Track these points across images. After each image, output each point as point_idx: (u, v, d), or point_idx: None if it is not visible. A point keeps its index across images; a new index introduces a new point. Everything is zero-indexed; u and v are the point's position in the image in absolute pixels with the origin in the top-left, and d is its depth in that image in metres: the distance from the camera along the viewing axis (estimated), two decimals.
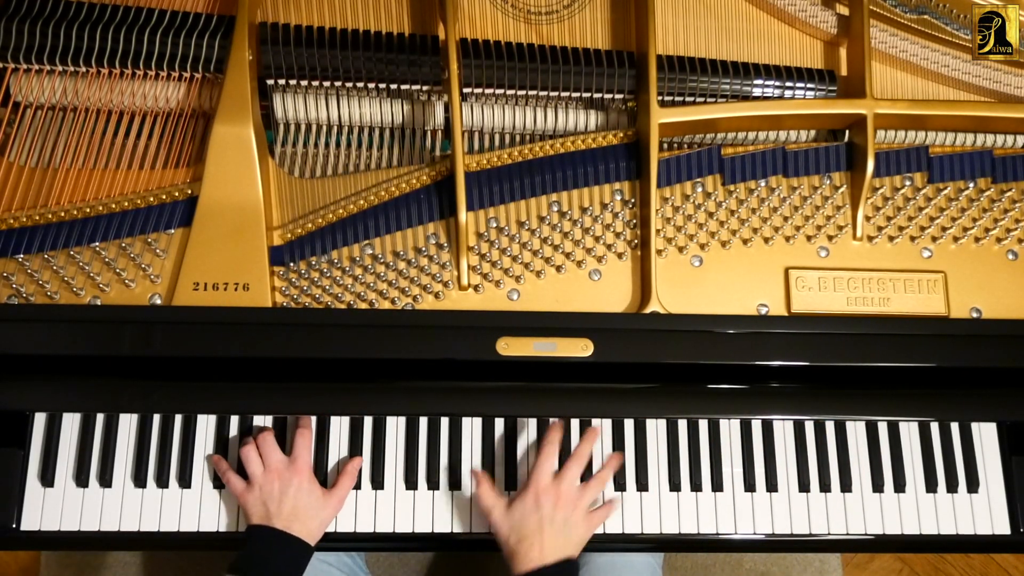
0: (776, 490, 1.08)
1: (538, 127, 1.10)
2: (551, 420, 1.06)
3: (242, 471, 1.01)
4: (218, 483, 1.03)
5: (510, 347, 0.97)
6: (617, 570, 1.14)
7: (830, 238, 1.07)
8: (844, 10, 1.14)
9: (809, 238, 1.07)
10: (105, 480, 1.02)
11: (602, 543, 1.07)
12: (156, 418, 1.04)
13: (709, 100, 1.10)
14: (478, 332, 0.97)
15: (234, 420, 1.05)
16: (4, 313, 0.95)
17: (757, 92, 1.11)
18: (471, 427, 1.07)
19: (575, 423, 1.07)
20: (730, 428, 1.09)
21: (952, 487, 1.09)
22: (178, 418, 1.05)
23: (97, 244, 0.99)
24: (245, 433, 1.04)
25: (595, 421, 1.07)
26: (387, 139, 1.09)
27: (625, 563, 1.14)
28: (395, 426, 1.06)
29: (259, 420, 1.05)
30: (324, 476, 1.04)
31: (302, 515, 0.96)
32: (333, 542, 1.04)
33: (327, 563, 1.13)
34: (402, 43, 1.07)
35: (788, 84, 1.11)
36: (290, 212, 1.03)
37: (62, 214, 0.99)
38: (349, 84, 1.07)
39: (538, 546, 0.93)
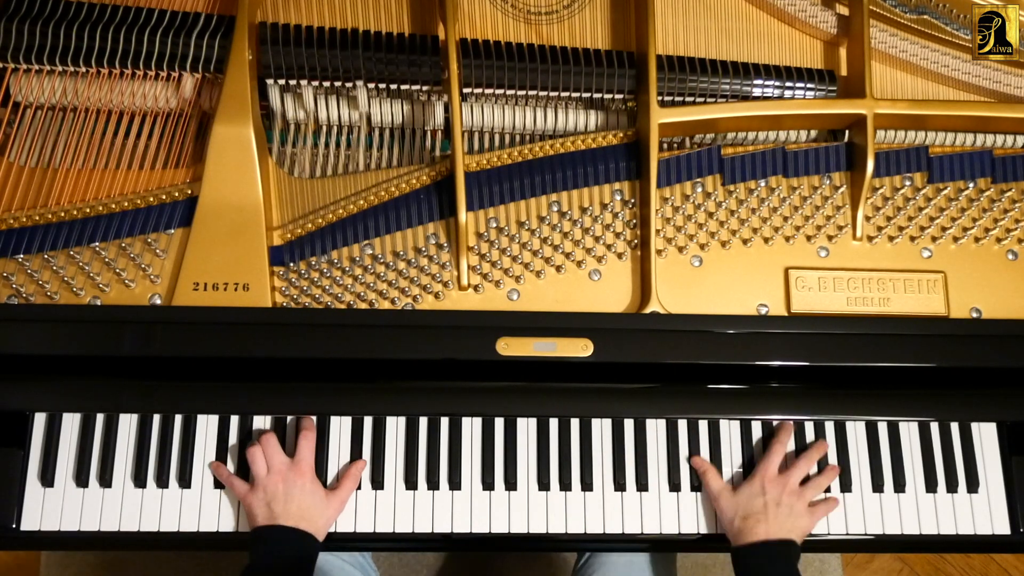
0: None
1: (538, 127, 1.10)
2: (550, 420, 1.06)
3: (241, 474, 1.01)
4: (218, 483, 1.03)
5: (510, 347, 0.97)
6: (633, 570, 1.14)
7: (830, 238, 1.07)
8: (844, 10, 1.14)
9: (809, 238, 1.07)
10: (105, 480, 1.02)
11: (602, 543, 1.07)
12: (156, 418, 1.04)
13: (709, 100, 1.10)
14: (478, 332, 0.97)
15: (234, 420, 1.05)
16: (4, 313, 0.95)
17: (757, 92, 1.11)
18: (471, 427, 1.07)
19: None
20: (730, 428, 1.09)
21: (952, 487, 1.09)
22: (178, 418, 1.05)
23: (97, 244, 0.99)
24: (246, 435, 1.04)
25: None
26: (387, 139, 1.09)
27: (642, 563, 1.15)
28: (395, 426, 1.06)
29: (259, 420, 1.05)
30: (324, 477, 1.04)
31: (307, 514, 0.97)
32: (333, 542, 1.04)
33: (342, 559, 1.13)
34: (402, 43, 1.07)
35: (788, 84, 1.11)
36: (290, 212, 1.03)
37: (62, 214, 0.99)
38: (349, 84, 1.07)
39: (764, 524, 0.98)
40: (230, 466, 1.03)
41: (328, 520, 0.99)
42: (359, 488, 1.04)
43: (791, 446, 1.07)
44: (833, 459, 1.09)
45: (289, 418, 1.05)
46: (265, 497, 0.97)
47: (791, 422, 1.07)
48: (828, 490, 1.07)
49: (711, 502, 1.04)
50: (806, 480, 1.05)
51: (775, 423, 1.08)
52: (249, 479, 1.00)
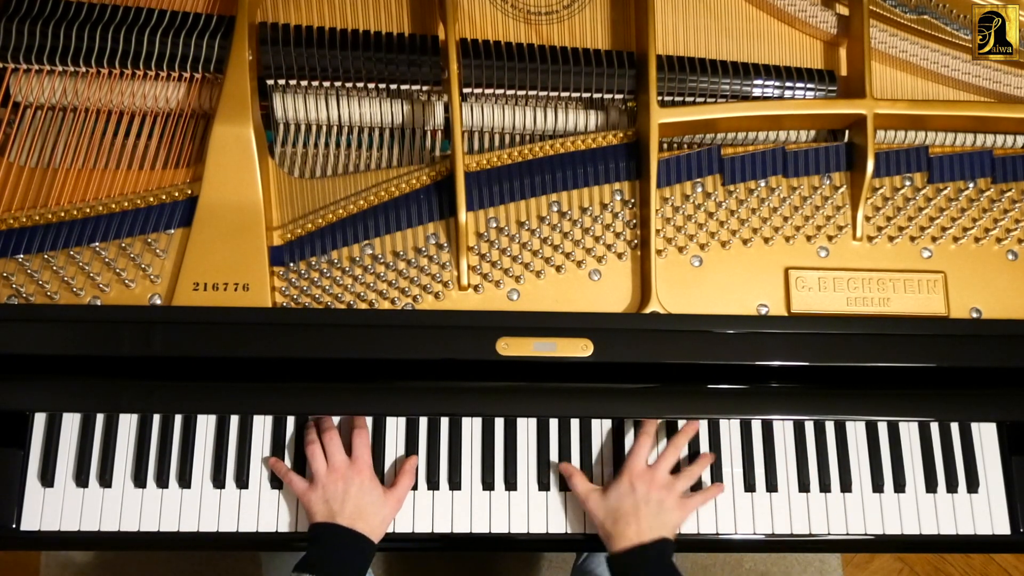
0: (776, 490, 1.08)
1: (538, 127, 1.10)
2: (550, 420, 1.06)
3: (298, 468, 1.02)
4: (218, 483, 1.03)
5: (510, 347, 0.97)
6: None
7: (830, 238, 1.07)
8: (844, 10, 1.14)
9: (809, 238, 1.07)
10: (105, 480, 1.02)
11: (602, 542, 1.07)
12: (156, 418, 1.04)
13: (709, 100, 1.10)
14: (478, 332, 0.97)
15: (234, 420, 1.05)
16: (4, 313, 0.95)
17: (757, 92, 1.11)
18: (471, 427, 1.07)
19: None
20: (730, 428, 1.09)
21: (952, 487, 1.09)
22: (178, 418, 1.05)
23: (97, 244, 0.99)
24: (246, 436, 1.04)
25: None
26: (387, 139, 1.09)
27: None
28: (395, 426, 1.06)
29: (259, 420, 1.05)
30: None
31: (365, 513, 0.97)
32: None
33: None
34: (402, 43, 1.07)
35: (788, 84, 1.11)
36: (290, 212, 1.03)
37: (62, 214, 0.99)
38: (349, 84, 1.07)
39: (634, 525, 0.97)
40: (230, 467, 1.03)
41: (385, 519, 1.00)
42: None
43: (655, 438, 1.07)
44: (834, 459, 1.09)
45: (337, 418, 1.05)
46: (324, 495, 0.98)
47: (655, 420, 1.07)
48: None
49: (581, 506, 1.03)
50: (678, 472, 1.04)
51: (775, 423, 1.09)
52: (307, 475, 1.01)
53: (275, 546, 1.10)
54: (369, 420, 1.06)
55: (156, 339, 0.95)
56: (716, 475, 1.07)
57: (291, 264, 1.00)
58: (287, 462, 1.04)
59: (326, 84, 1.06)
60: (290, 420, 1.06)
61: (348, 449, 1.01)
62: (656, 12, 1.07)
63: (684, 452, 1.07)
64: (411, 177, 1.04)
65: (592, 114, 1.11)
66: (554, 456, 1.07)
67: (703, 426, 1.09)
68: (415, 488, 1.04)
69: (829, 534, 1.06)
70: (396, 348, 0.97)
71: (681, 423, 1.08)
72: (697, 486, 1.05)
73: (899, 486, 1.08)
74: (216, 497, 1.03)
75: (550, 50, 1.09)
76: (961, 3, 1.14)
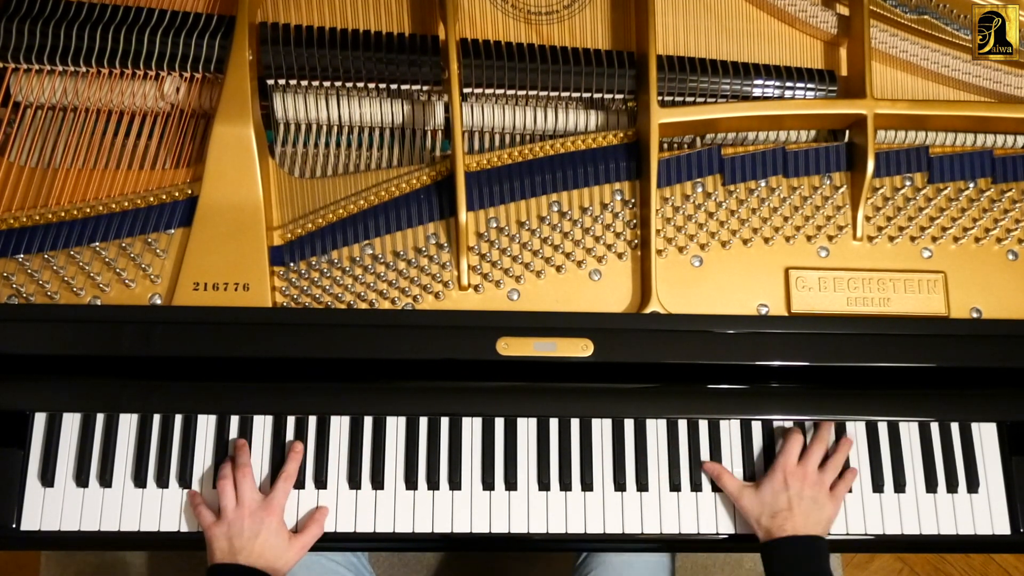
0: None
1: (538, 127, 1.10)
2: (551, 420, 1.06)
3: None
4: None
5: (510, 347, 0.97)
6: (632, 569, 1.14)
7: (830, 238, 1.07)
8: (844, 10, 1.14)
9: (809, 238, 1.07)
10: (105, 480, 1.02)
11: (602, 543, 1.07)
12: (156, 418, 1.04)
13: (709, 100, 1.10)
14: (478, 332, 0.97)
15: (234, 420, 1.05)
16: (4, 313, 0.95)
17: (757, 92, 1.11)
18: (471, 427, 1.07)
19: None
20: (730, 428, 1.09)
21: (952, 487, 1.09)
22: (178, 418, 1.05)
23: (97, 244, 0.99)
24: (246, 436, 1.04)
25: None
26: (387, 139, 1.09)
27: (640, 562, 1.15)
28: (395, 426, 1.06)
29: (259, 420, 1.05)
30: (324, 478, 1.04)
31: (268, 555, 0.96)
32: (333, 542, 1.04)
33: (335, 561, 1.13)
34: (402, 43, 1.07)
35: (788, 84, 1.11)
36: (290, 212, 1.03)
37: (62, 214, 0.99)
38: (349, 84, 1.07)
39: (791, 520, 0.99)
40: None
41: (287, 564, 0.98)
42: (360, 488, 1.04)
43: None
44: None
45: (291, 426, 1.05)
46: (229, 531, 0.96)
47: (798, 424, 1.08)
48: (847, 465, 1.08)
49: (733, 503, 1.04)
50: (824, 465, 1.05)
51: (775, 423, 1.09)
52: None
53: None
54: (369, 421, 1.06)
55: (156, 339, 0.95)
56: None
57: (291, 264, 1.00)
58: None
59: (326, 84, 1.06)
60: (290, 420, 1.06)
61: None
62: (656, 12, 1.07)
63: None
64: (411, 177, 1.04)
65: (592, 114, 1.11)
66: (555, 456, 1.06)
67: (703, 426, 1.09)
68: (415, 488, 1.04)
69: (829, 534, 1.06)
70: (396, 348, 0.97)
71: (688, 423, 1.08)
72: None
73: (899, 486, 1.08)
74: (216, 497, 1.03)
75: (550, 50, 1.09)
76: (961, 3, 1.14)
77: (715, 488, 1.07)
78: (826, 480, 1.03)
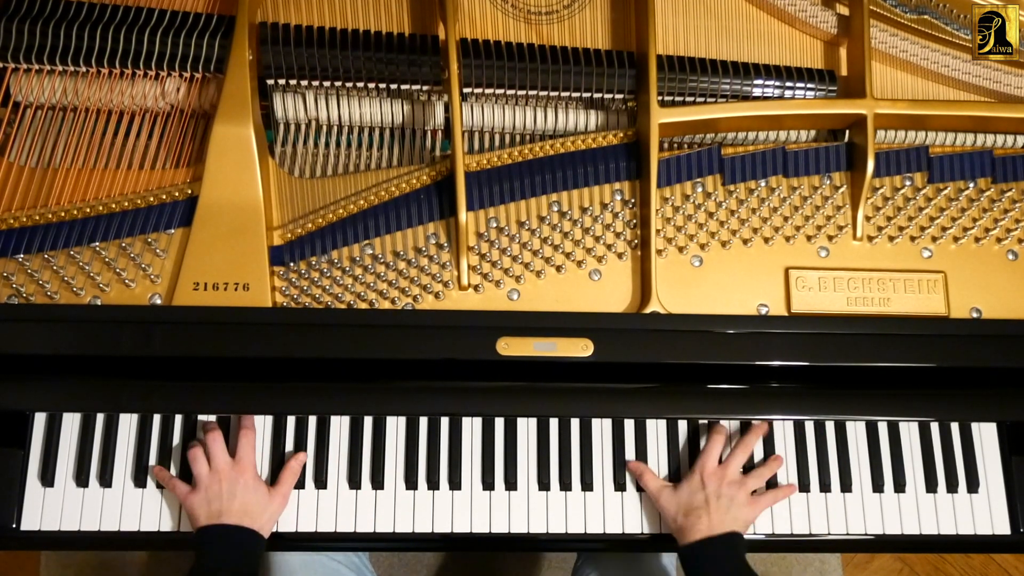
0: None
1: (538, 127, 1.10)
2: (551, 420, 1.07)
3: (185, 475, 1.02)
4: None
5: (510, 347, 0.97)
6: (634, 569, 1.14)
7: (830, 238, 1.07)
8: (844, 10, 1.14)
9: (809, 238, 1.07)
10: (105, 480, 1.02)
11: (603, 543, 1.07)
12: (156, 418, 1.04)
13: (709, 100, 1.10)
14: (478, 332, 0.97)
15: (234, 420, 1.05)
16: (4, 313, 0.95)
17: (757, 92, 1.11)
18: (471, 427, 1.07)
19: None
20: (730, 428, 1.09)
21: (952, 487, 1.09)
22: (178, 418, 1.05)
23: (97, 244, 0.99)
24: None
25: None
26: (387, 139, 1.09)
27: (642, 562, 1.15)
28: (395, 426, 1.06)
29: (259, 420, 1.05)
30: (324, 478, 1.04)
31: (251, 511, 0.97)
32: (334, 542, 1.04)
33: (336, 561, 1.13)
34: (402, 43, 1.07)
35: (788, 84, 1.11)
36: (290, 212, 1.03)
37: (62, 214, 0.99)
38: (349, 84, 1.07)
39: (706, 519, 0.99)
40: None
41: (272, 516, 0.99)
42: (360, 488, 1.04)
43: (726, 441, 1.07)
44: (834, 459, 1.09)
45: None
46: (207, 496, 0.97)
47: (724, 425, 1.08)
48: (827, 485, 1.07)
49: (652, 503, 1.04)
50: (748, 472, 1.05)
51: (773, 421, 1.09)
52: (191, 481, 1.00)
53: (275, 546, 1.10)
54: (369, 421, 1.06)
55: (156, 339, 0.95)
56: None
57: (291, 264, 1.00)
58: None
59: (326, 84, 1.06)
60: (291, 420, 1.06)
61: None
62: (656, 12, 1.07)
63: (760, 456, 1.08)
64: (411, 177, 1.04)
65: (592, 114, 1.11)
66: (555, 456, 1.07)
67: (703, 426, 1.09)
68: (415, 488, 1.04)
69: (829, 534, 1.06)
70: (396, 348, 0.97)
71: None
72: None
73: (899, 486, 1.08)
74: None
75: (550, 50, 1.09)
76: (961, 3, 1.14)
77: None
78: (747, 484, 1.03)
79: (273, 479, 1.03)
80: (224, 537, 0.95)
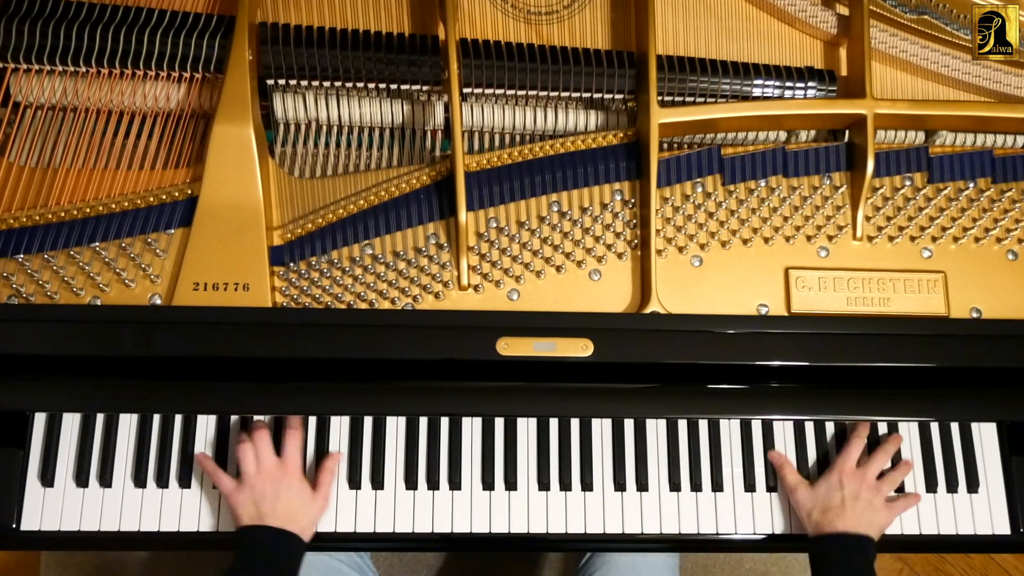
0: (776, 490, 1.08)
1: (538, 127, 1.10)
2: (550, 420, 1.07)
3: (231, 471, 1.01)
4: None
5: (510, 347, 0.97)
6: (636, 570, 1.14)
7: (830, 238, 1.07)
8: (844, 10, 1.14)
9: (809, 238, 1.07)
10: (105, 480, 1.02)
11: (603, 543, 1.07)
12: (156, 418, 1.05)
13: (709, 100, 1.10)
14: (478, 332, 0.97)
15: (234, 420, 1.05)
16: (4, 313, 0.95)
17: (757, 92, 1.11)
18: (471, 427, 1.07)
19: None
20: (730, 428, 1.09)
21: (952, 487, 1.09)
22: (178, 418, 1.05)
23: (97, 244, 0.99)
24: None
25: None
26: (387, 139, 1.09)
27: (644, 563, 1.15)
28: (395, 426, 1.06)
29: (259, 420, 1.05)
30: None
31: (295, 514, 0.97)
32: (333, 542, 1.04)
33: (338, 560, 1.13)
34: (402, 43, 1.07)
35: (788, 84, 1.11)
36: (290, 212, 1.03)
37: (62, 214, 0.99)
38: (349, 84, 1.07)
39: (842, 518, 1.00)
40: (230, 467, 1.03)
41: (313, 519, 0.99)
42: (359, 488, 1.04)
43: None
44: (833, 459, 1.09)
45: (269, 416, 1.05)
46: (253, 496, 0.97)
47: (868, 421, 1.08)
48: (901, 488, 1.08)
49: (787, 495, 1.05)
50: (883, 475, 1.06)
51: (773, 421, 1.09)
52: (237, 475, 1.00)
53: None
54: (369, 421, 1.06)
55: (156, 339, 0.95)
56: (715, 475, 1.07)
57: (291, 264, 1.00)
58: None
59: (326, 84, 1.06)
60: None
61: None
62: (656, 12, 1.07)
63: (888, 464, 1.08)
64: (411, 177, 1.04)
65: (592, 114, 1.11)
66: (554, 456, 1.06)
67: (703, 426, 1.09)
68: (415, 488, 1.04)
69: None
70: (396, 348, 0.97)
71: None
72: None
73: (899, 486, 1.08)
74: (216, 497, 1.03)
75: (550, 50, 1.09)
76: (961, 3, 1.14)
77: (714, 488, 1.07)
78: (883, 489, 1.04)
79: None
80: (266, 540, 0.95)
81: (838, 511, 1.00)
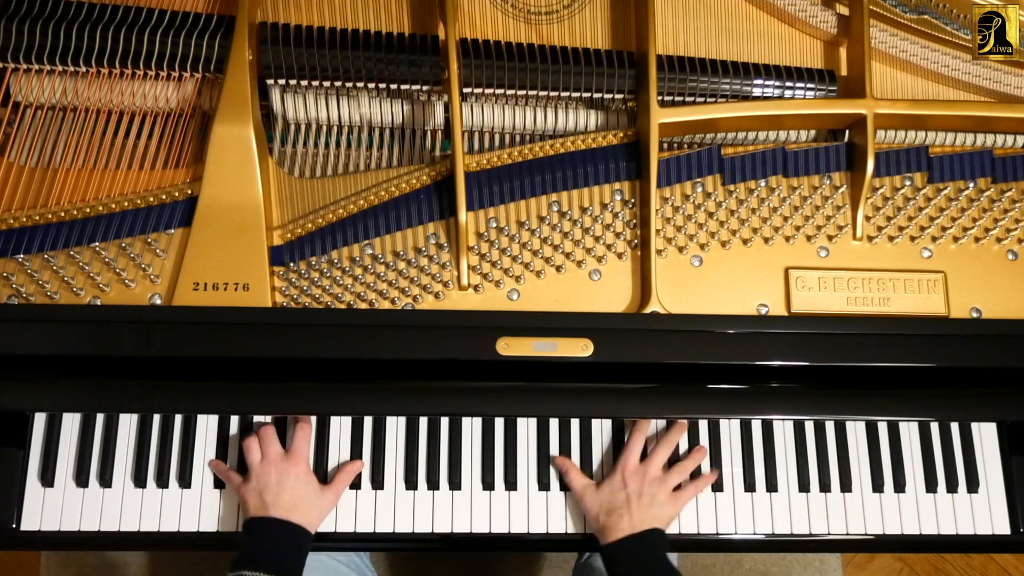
0: (776, 490, 1.08)
1: (538, 127, 1.10)
2: (550, 420, 1.07)
3: (241, 470, 1.01)
4: (218, 483, 1.03)
5: (510, 347, 0.97)
6: None
7: (830, 238, 1.07)
8: (844, 10, 1.14)
9: (809, 238, 1.07)
10: (105, 480, 1.02)
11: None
12: (156, 418, 1.04)
13: (709, 100, 1.10)
14: (478, 332, 0.97)
15: (234, 420, 1.05)
16: (4, 313, 0.95)
17: (757, 92, 1.11)
18: (471, 427, 1.07)
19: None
20: (730, 428, 1.09)
21: (952, 487, 1.09)
22: (178, 418, 1.05)
23: (97, 244, 0.99)
24: (246, 430, 1.04)
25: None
26: (387, 139, 1.09)
27: None
28: (395, 426, 1.06)
29: (259, 420, 1.05)
30: (324, 476, 1.04)
31: (301, 505, 0.97)
32: (333, 542, 1.04)
33: (337, 560, 1.13)
34: (402, 43, 1.07)
35: (788, 84, 1.11)
36: (290, 212, 1.03)
37: (62, 214, 0.99)
38: (349, 84, 1.07)
39: (627, 518, 0.98)
40: (231, 465, 1.03)
41: (322, 513, 0.99)
42: (359, 488, 1.04)
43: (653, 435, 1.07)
44: (834, 459, 1.09)
45: (289, 417, 1.05)
46: (257, 486, 0.97)
47: (647, 422, 1.07)
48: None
49: (576, 501, 1.04)
50: (671, 467, 1.05)
51: (773, 421, 1.09)
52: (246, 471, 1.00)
53: None
54: (369, 421, 1.06)
55: (156, 339, 0.95)
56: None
57: (291, 264, 1.00)
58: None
59: (326, 84, 1.06)
60: (291, 420, 1.06)
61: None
62: (656, 12, 1.07)
63: (681, 449, 1.07)
64: (411, 177, 1.04)
65: (592, 114, 1.11)
66: (555, 456, 1.06)
67: (703, 426, 1.09)
68: (415, 488, 1.04)
69: (829, 534, 1.06)
70: (396, 348, 0.97)
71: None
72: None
73: (899, 486, 1.08)
74: (216, 497, 1.03)
75: (550, 50, 1.09)
76: (961, 3, 1.14)
77: (715, 488, 1.07)
78: (669, 481, 1.02)
79: None
80: (268, 530, 0.95)
81: (622, 511, 0.98)
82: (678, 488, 1.03)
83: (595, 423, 1.08)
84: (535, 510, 1.05)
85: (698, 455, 1.06)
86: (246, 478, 0.99)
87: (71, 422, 1.04)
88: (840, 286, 1.05)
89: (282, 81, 1.06)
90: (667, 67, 1.10)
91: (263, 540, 0.94)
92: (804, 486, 1.07)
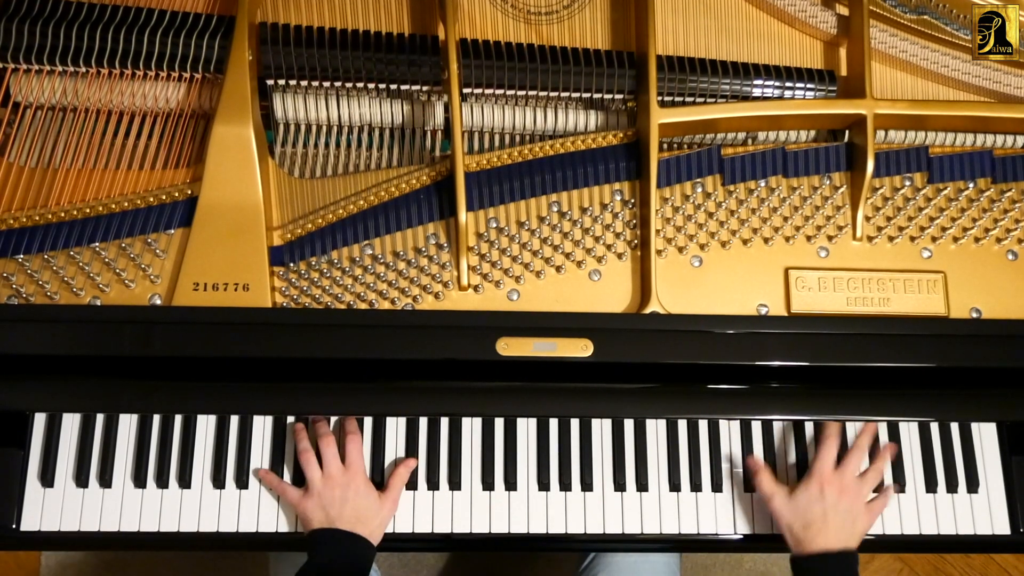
0: None
1: (538, 127, 1.10)
2: (550, 420, 1.06)
3: (273, 468, 1.01)
4: (218, 483, 1.03)
5: (510, 347, 0.97)
6: (637, 570, 1.14)
7: (830, 238, 1.07)
8: (844, 10, 1.14)
9: (809, 238, 1.07)
10: (105, 480, 1.02)
11: (603, 543, 1.07)
12: (156, 418, 1.04)
13: (709, 100, 1.10)
14: (478, 332, 0.97)
15: (234, 420, 1.05)
16: (4, 313, 0.95)
17: (757, 92, 1.11)
18: (471, 427, 1.07)
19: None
20: (730, 428, 1.09)
21: (952, 487, 1.09)
22: (178, 418, 1.05)
23: (97, 244, 0.99)
24: (245, 435, 1.04)
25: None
26: (387, 139, 1.09)
27: (646, 563, 1.15)
28: (395, 426, 1.06)
29: (259, 420, 1.05)
30: None
31: (364, 518, 0.98)
32: None
33: None
34: (402, 43, 1.07)
35: (788, 84, 1.11)
36: (290, 212, 1.03)
37: (62, 214, 0.99)
38: (349, 84, 1.07)
39: (823, 534, 0.97)
40: (230, 467, 1.03)
41: (383, 521, 1.00)
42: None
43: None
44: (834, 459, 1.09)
45: (334, 418, 1.05)
46: (321, 502, 0.98)
47: (838, 422, 1.07)
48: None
49: (764, 503, 1.03)
50: (864, 473, 1.04)
51: (773, 421, 1.08)
52: (303, 484, 1.01)
53: (275, 546, 1.10)
54: (369, 421, 1.06)
55: (156, 339, 0.95)
56: (715, 475, 1.07)
57: (291, 264, 1.00)
58: (287, 471, 1.04)
59: (326, 84, 1.06)
60: (290, 420, 1.06)
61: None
62: (656, 12, 1.07)
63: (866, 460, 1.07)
64: (411, 177, 1.04)
65: (592, 114, 1.11)
66: (554, 456, 1.06)
67: (703, 426, 1.09)
68: (415, 488, 1.04)
69: None
70: (396, 348, 0.97)
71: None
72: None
73: (899, 486, 1.08)
74: (216, 497, 1.03)
75: (550, 50, 1.09)
76: (961, 3, 1.14)
77: (714, 488, 1.07)
78: (864, 491, 1.02)
79: None
80: (338, 541, 0.96)
81: (819, 527, 0.97)
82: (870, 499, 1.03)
83: (595, 423, 1.08)
84: (535, 510, 1.05)
85: (886, 453, 1.06)
86: (306, 493, 0.99)
87: (71, 422, 1.04)
88: (840, 286, 1.05)
89: (282, 81, 1.06)
90: (667, 67, 1.10)
91: (331, 552, 0.96)
92: None
